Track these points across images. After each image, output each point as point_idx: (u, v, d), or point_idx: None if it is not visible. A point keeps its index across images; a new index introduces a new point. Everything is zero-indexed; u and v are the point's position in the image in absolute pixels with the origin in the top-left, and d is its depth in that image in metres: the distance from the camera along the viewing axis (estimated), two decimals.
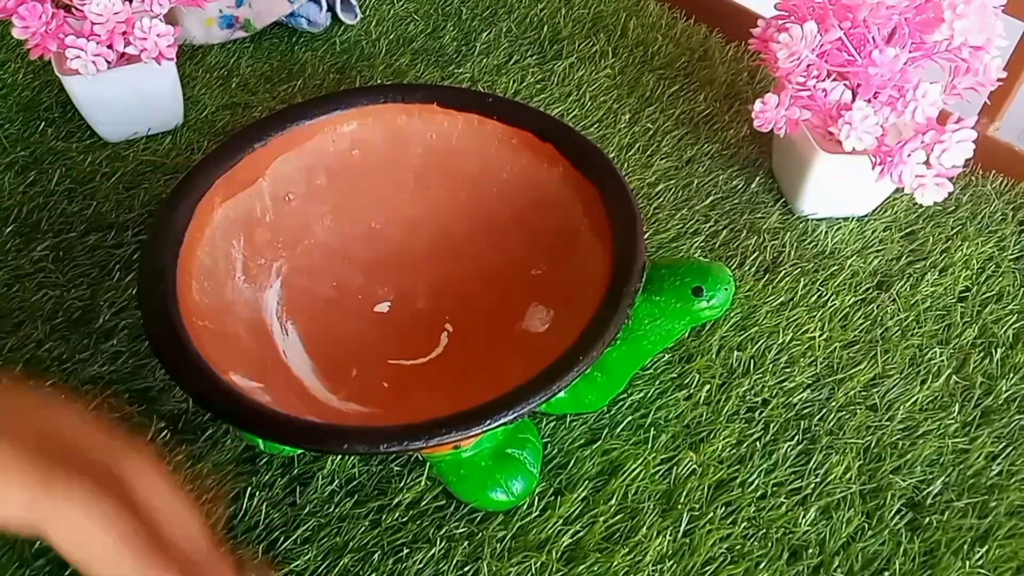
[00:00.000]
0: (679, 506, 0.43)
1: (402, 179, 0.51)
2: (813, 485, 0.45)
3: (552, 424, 0.46)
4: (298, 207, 0.49)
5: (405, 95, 0.50)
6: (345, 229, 0.50)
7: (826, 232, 0.58)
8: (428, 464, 0.44)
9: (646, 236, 0.57)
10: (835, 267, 0.56)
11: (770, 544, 0.42)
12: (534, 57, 0.71)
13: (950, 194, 0.50)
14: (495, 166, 0.49)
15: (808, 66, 0.51)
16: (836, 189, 0.57)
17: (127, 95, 0.58)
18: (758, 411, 0.48)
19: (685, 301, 0.40)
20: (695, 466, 0.45)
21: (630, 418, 0.47)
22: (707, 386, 0.48)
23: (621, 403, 0.47)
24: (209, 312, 0.43)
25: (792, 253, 0.57)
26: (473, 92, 0.50)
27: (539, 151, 0.47)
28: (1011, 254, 0.58)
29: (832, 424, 0.47)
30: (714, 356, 0.50)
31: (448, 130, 0.49)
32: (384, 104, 0.49)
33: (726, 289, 0.40)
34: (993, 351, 0.52)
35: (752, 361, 0.50)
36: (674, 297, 0.40)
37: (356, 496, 0.43)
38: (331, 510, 0.42)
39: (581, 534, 0.42)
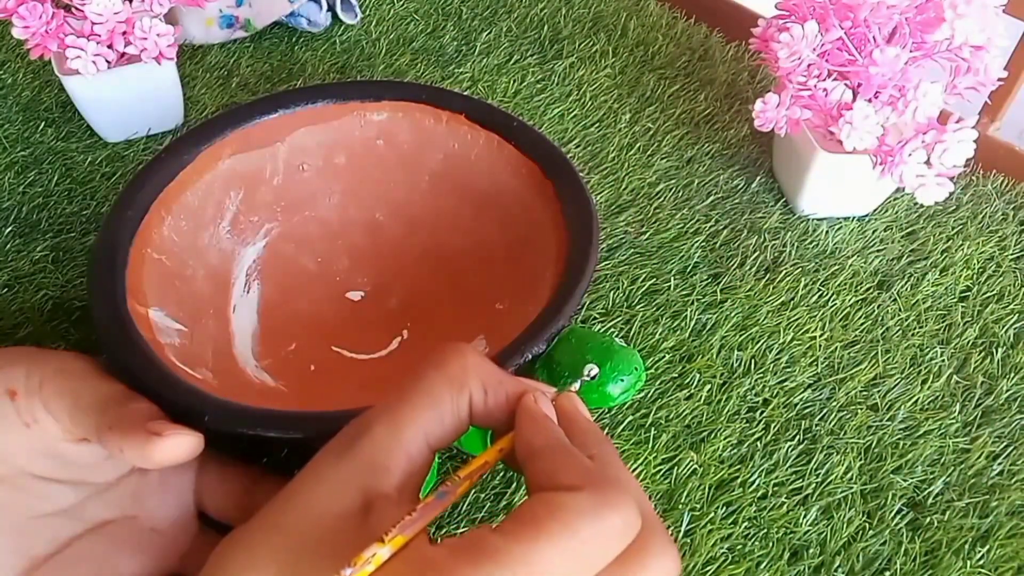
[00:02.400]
0: (680, 506, 0.43)
1: (417, 180, 0.51)
2: (814, 485, 0.45)
3: None
4: (309, 179, 0.50)
5: (439, 99, 0.50)
6: (349, 212, 0.51)
7: (827, 232, 0.58)
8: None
9: (645, 235, 0.57)
10: (836, 267, 0.56)
11: (771, 544, 0.42)
12: (534, 57, 0.71)
13: (951, 194, 0.50)
14: (503, 191, 0.49)
15: (809, 66, 0.51)
16: (837, 189, 0.57)
17: (127, 95, 0.58)
18: (759, 411, 0.48)
19: (576, 377, 0.39)
20: (696, 466, 0.45)
21: (631, 418, 0.47)
22: (708, 386, 0.48)
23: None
24: (173, 249, 0.44)
25: (793, 253, 0.57)
26: (502, 112, 0.50)
27: (541, 188, 0.47)
28: (1012, 254, 0.58)
29: (833, 424, 0.47)
30: (715, 356, 0.50)
31: (470, 143, 0.49)
32: (417, 103, 0.50)
33: (623, 380, 0.39)
34: (994, 351, 0.52)
35: (753, 361, 0.50)
36: (568, 369, 0.39)
37: None
38: None
39: None
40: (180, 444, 0.32)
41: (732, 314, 0.52)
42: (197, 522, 0.37)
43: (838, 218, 0.59)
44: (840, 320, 0.53)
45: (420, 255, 0.50)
